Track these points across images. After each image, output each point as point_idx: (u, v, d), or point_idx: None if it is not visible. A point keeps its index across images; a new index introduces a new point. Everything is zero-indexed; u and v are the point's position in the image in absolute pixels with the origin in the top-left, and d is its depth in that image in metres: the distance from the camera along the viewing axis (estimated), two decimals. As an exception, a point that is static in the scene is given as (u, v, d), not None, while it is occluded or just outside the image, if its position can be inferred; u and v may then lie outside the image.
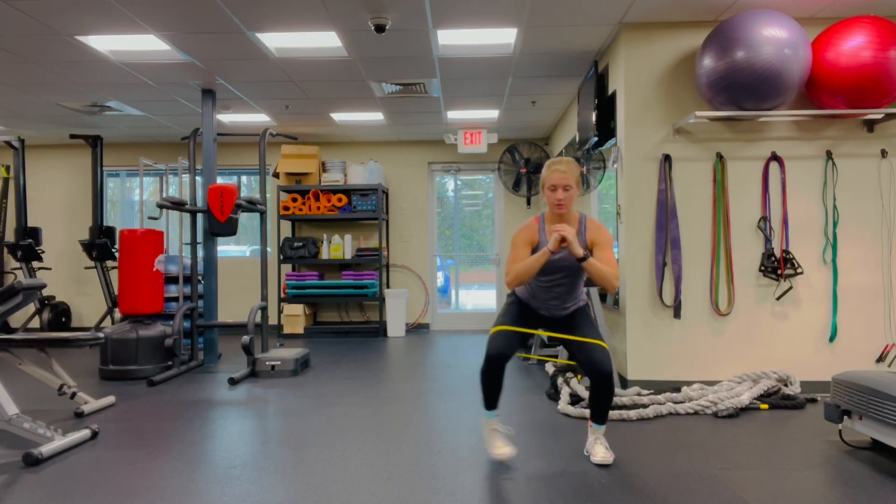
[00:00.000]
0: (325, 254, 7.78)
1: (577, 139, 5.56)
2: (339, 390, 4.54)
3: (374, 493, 2.55)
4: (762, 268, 4.33)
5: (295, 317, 7.76)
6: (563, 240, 2.67)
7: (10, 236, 7.83)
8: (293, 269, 8.16)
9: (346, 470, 2.83)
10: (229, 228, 5.41)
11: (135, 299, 5.17)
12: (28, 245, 7.24)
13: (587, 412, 3.68)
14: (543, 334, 2.99)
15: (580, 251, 2.67)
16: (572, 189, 2.78)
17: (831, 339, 4.34)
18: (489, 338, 2.84)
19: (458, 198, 8.67)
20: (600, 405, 2.84)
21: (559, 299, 2.92)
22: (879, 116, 4.22)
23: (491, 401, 2.91)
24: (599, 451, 2.86)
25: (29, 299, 3.39)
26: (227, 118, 7.01)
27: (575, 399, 3.94)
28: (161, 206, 5.09)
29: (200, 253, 6.16)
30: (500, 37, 4.61)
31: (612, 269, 2.73)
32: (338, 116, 6.92)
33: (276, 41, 4.65)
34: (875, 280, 4.33)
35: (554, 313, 2.96)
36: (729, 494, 2.51)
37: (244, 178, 8.63)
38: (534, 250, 2.89)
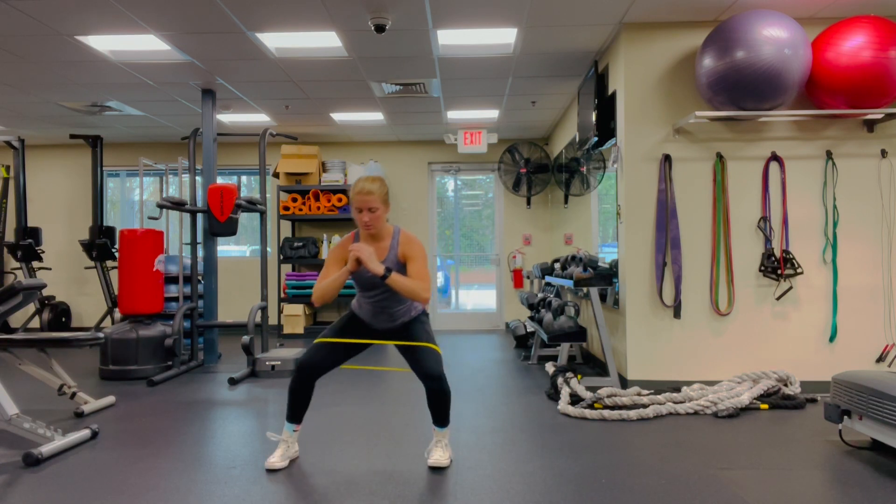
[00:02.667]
0: (325, 254, 7.78)
1: (577, 139, 5.56)
2: (338, 390, 4.54)
3: (374, 492, 2.55)
4: (762, 268, 4.33)
5: (295, 317, 7.76)
6: (359, 259, 2.66)
7: (10, 236, 7.82)
8: (293, 269, 8.17)
9: (347, 470, 2.83)
10: (229, 228, 5.41)
11: (135, 299, 5.17)
12: (28, 245, 7.23)
13: (587, 412, 3.69)
14: (383, 343, 2.99)
15: (380, 269, 2.65)
16: (379, 209, 2.76)
17: (831, 339, 4.34)
18: (308, 348, 2.86)
19: (458, 198, 8.67)
20: (435, 408, 2.85)
21: (385, 313, 2.91)
22: (879, 116, 4.22)
23: (295, 414, 2.87)
24: (436, 453, 2.87)
25: (29, 299, 3.39)
26: (227, 118, 7.01)
27: (575, 399, 3.94)
28: (161, 206, 5.09)
29: (200, 253, 6.16)
30: (500, 37, 4.61)
31: (420, 282, 2.72)
32: (338, 116, 6.92)
33: (276, 41, 4.65)
34: (875, 280, 4.33)
35: (385, 326, 2.95)
36: (729, 494, 2.51)
37: (244, 178, 8.63)
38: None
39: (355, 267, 2.68)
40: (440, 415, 2.87)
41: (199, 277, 5.93)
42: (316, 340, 2.88)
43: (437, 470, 2.82)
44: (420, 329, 2.91)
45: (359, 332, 2.96)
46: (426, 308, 3.04)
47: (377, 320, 2.94)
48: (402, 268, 2.82)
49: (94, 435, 3.35)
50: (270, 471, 2.81)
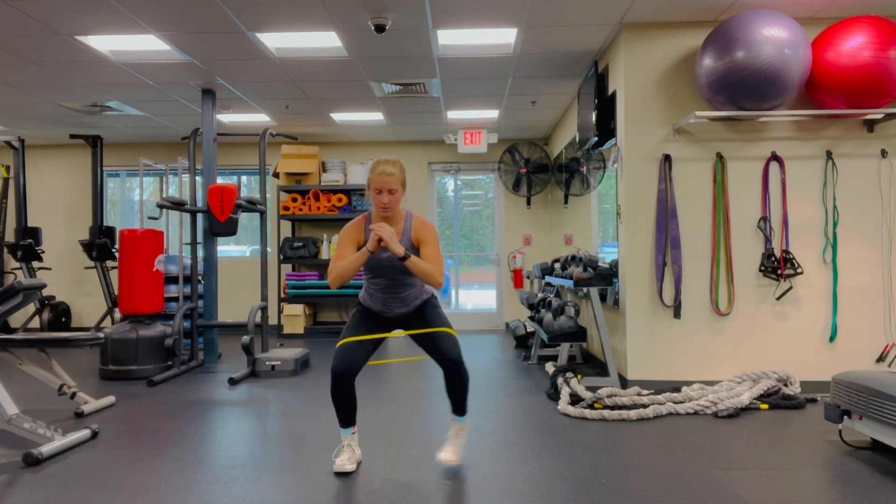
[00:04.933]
0: (325, 254, 7.78)
1: (577, 139, 5.56)
2: (339, 390, 4.53)
3: (374, 492, 2.55)
4: (762, 268, 4.33)
5: (295, 317, 7.76)
6: (381, 239, 2.60)
7: (10, 236, 7.82)
8: (293, 269, 8.16)
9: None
10: (229, 228, 5.41)
11: (135, 299, 5.17)
12: (28, 245, 7.23)
13: (587, 412, 3.68)
14: (397, 335, 2.95)
15: (400, 250, 2.60)
16: (398, 192, 2.72)
17: (831, 339, 4.34)
18: (334, 353, 2.78)
19: (458, 198, 8.67)
20: (455, 395, 2.81)
21: (399, 298, 2.86)
22: (879, 116, 4.21)
23: (345, 418, 2.82)
24: (450, 450, 2.83)
25: (29, 299, 3.39)
26: (227, 118, 7.01)
27: (575, 399, 3.94)
28: (161, 206, 5.09)
29: (200, 253, 6.16)
30: (500, 37, 4.61)
31: (435, 266, 2.68)
32: (338, 116, 6.92)
33: (276, 41, 4.65)
34: (875, 280, 4.33)
35: (398, 312, 2.89)
36: (729, 494, 2.51)
37: (244, 178, 8.63)
38: (359, 248, 2.81)
39: (375, 248, 2.62)
40: (459, 401, 2.83)
41: (199, 277, 5.93)
42: (339, 343, 2.80)
43: (443, 468, 2.81)
44: (434, 313, 2.87)
45: (376, 324, 2.90)
46: (435, 292, 2.99)
47: (390, 307, 2.88)
48: (415, 252, 2.78)
49: (94, 435, 3.35)
50: (341, 474, 2.76)
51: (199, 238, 5.83)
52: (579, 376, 4.27)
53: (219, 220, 5.38)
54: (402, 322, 2.93)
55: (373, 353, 2.85)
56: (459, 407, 2.86)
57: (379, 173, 2.70)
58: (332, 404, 2.81)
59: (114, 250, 7.35)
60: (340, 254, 2.75)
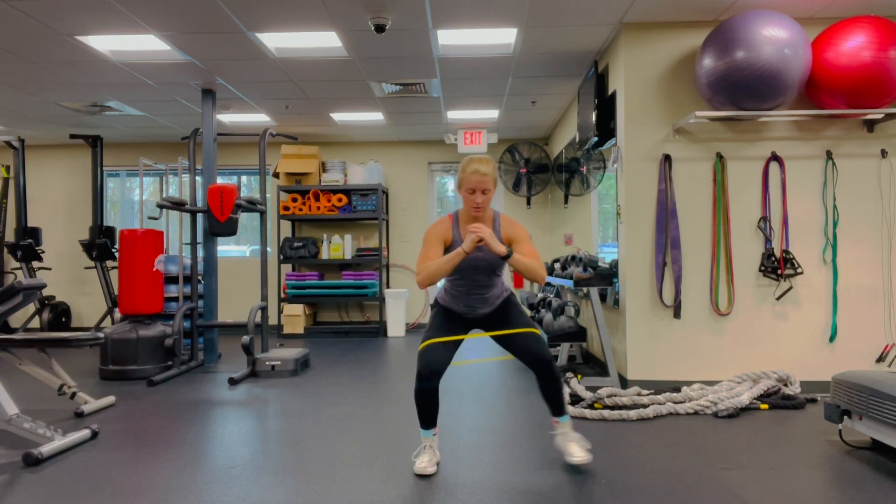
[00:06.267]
0: (325, 254, 7.78)
1: (577, 139, 5.56)
2: (339, 390, 4.54)
3: (374, 493, 2.55)
4: (762, 268, 4.33)
5: (295, 317, 7.76)
6: (480, 240, 2.57)
7: (10, 236, 7.82)
8: (293, 269, 8.16)
9: (346, 470, 2.83)
10: (229, 228, 5.41)
11: (135, 299, 5.17)
12: (28, 245, 7.23)
13: (587, 412, 3.68)
14: (478, 336, 2.93)
15: (502, 249, 2.58)
16: (491, 191, 2.70)
17: (831, 339, 4.34)
18: (419, 355, 2.74)
19: (459, 198, 8.66)
20: (552, 395, 2.77)
21: (482, 298, 2.84)
22: (879, 116, 4.21)
23: (428, 420, 2.80)
24: (576, 450, 2.76)
25: (29, 299, 3.39)
26: (227, 118, 7.01)
27: (575, 399, 3.94)
28: (161, 206, 5.09)
29: (200, 253, 6.16)
30: (500, 37, 4.61)
31: (537, 261, 2.66)
32: (338, 116, 6.92)
33: (276, 41, 4.65)
34: (875, 280, 4.33)
35: (481, 312, 2.88)
36: (729, 494, 2.51)
37: (244, 178, 8.63)
38: (447, 249, 2.78)
39: (473, 248, 2.59)
40: (557, 401, 2.78)
41: (199, 277, 5.93)
42: (423, 345, 2.75)
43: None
44: (517, 312, 2.85)
45: (458, 325, 2.87)
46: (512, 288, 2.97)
47: (474, 308, 2.85)
48: None
49: (94, 435, 3.35)
50: (423, 476, 2.73)
51: (199, 238, 5.83)
52: (579, 376, 4.27)
53: (219, 220, 5.38)
54: (484, 322, 2.90)
55: (454, 355, 2.82)
56: (558, 407, 2.80)
57: (472, 172, 2.67)
58: (416, 405, 2.78)
59: (114, 250, 7.35)
60: (428, 253, 2.71)
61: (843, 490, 2.55)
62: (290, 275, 7.78)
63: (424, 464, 2.76)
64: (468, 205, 2.73)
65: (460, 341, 2.85)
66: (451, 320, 2.88)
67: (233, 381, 4.78)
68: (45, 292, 8.19)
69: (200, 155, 7.92)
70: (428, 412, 2.78)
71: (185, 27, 4.35)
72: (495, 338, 2.85)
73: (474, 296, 2.83)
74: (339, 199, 7.68)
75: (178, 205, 5.20)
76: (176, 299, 5.87)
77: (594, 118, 4.91)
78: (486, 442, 3.25)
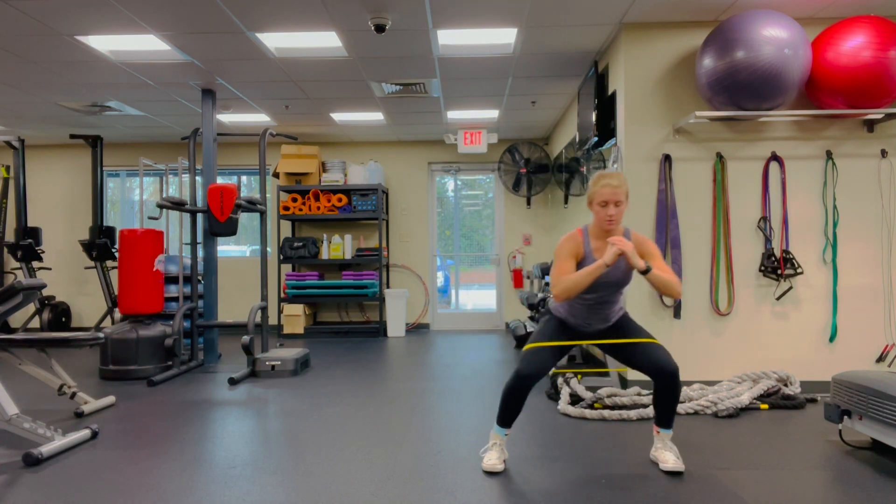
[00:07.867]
0: (325, 254, 7.78)
1: (577, 139, 5.56)
2: (339, 390, 4.54)
3: (374, 493, 2.55)
4: (762, 268, 4.33)
5: (295, 317, 7.76)
6: (621, 252, 2.60)
7: (10, 236, 7.83)
8: (293, 269, 8.16)
9: (346, 470, 2.83)
10: (229, 228, 5.41)
11: (135, 299, 5.17)
12: (28, 245, 7.23)
13: (587, 412, 3.68)
14: (585, 343, 2.93)
15: (642, 264, 2.60)
16: (623, 204, 2.71)
17: (831, 339, 4.34)
18: (522, 355, 2.77)
19: (458, 198, 8.67)
20: (668, 407, 2.76)
21: (602, 315, 2.84)
22: (879, 116, 4.22)
23: (508, 418, 2.82)
24: (670, 458, 2.79)
25: (29, 299, 3.39)
26: (227, 118, 7.01)
27: (575, 399, 3.94)
28: (161, 206, 5.09)
29: (200, 253, 6.16)
30: (500, 37, 4.61)
31: (673, 277, 2.69)
32: (338, 116, 6.92)
33: (276, 41, 4.65)
34: (875, 280, 4.33)
35: (596, 328, 2.89)
36: (729, 494, 2.51)
37: (244, 178, 8.63)
38: (579, 264, 2.79)
39: (614, 261, 2.62)
40: (670, 414, 2.79)
41: (199, 277, 5.93)
42: (527, 347, 2.77)
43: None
44: (633, 324, 2.86)
45: (568, 337, 2.89)
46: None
47: (591, 323, 2.86)
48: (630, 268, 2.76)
49: (94, 435, 3.35)
50: (491, 473, 2.76)
51: (199, 238, 5.84)
52: (579, 376, 4.27)
53: (219, 220, 5.38)
54: (596, 337, 2.90)
55: (555, 363, 2.85)
56: (669, 418, 2.81)
57: (604, 185, 2.69)
58: (501, 401, 2.80)
59: (114, 250, 7.35)
60: (563, 267, 2.74)
61: (843, 490, 2.55)
62: (290, 275, 7.78)
63: (493, 461, 2.80)
64: (601, 218, 2.74)
65: (566, 350, 2.89)
66: (562, 331, 2.90)
67: (233, 381, 4.78)
68: (46, 292, 8.19)
69: (200, 155, 7.92)
70: (512, 411, 2.80)
71: (185, 27, 4.35)
72: (611, 348, 2.86)
73: (595, 311, 2.83)
74: (339, 199, 7.68)
75: (178, 205, 5.20)
76: (176, 299, 5.87)
77: (594, 118, 4.91)
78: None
